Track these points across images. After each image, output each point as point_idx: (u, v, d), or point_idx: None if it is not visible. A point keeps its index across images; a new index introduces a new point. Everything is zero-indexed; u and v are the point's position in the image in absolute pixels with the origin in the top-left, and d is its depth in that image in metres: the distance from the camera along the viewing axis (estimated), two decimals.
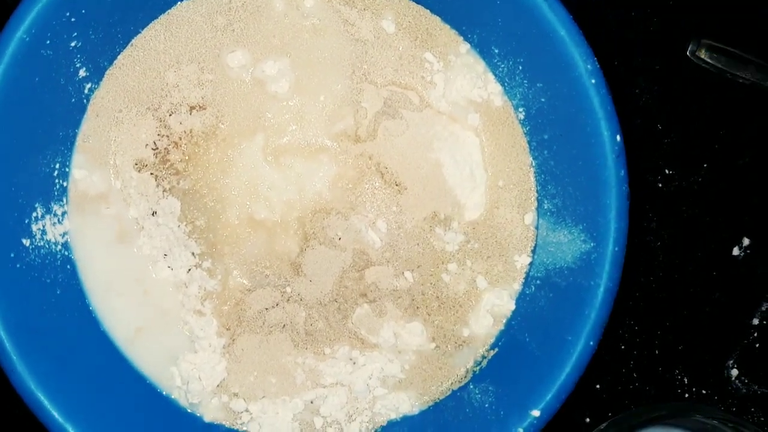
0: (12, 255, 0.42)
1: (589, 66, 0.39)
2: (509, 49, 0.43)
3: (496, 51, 0.44)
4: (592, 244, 0.41)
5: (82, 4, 0.41)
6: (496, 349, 0.45)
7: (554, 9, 0.40)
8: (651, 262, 0.49)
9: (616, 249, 0.40)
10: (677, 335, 0.49)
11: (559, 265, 0.43)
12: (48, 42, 0.41)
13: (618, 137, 0.40)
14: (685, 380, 0.49)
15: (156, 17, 0.44)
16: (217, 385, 0.45)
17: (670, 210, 0.49)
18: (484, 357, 0.45)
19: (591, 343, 0.40)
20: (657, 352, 0.49)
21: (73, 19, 0.41)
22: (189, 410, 0.45)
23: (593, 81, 0.39)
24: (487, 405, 0.43)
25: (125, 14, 0.43)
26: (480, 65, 0.45)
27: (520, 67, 0.43)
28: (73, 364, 0.42)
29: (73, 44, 0.42)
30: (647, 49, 0.49)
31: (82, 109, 0.44)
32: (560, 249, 0.43)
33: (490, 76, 0.45)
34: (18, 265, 0.42)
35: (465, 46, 0.45)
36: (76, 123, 0.44)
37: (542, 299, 0.44)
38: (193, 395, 0.45)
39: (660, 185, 0.49)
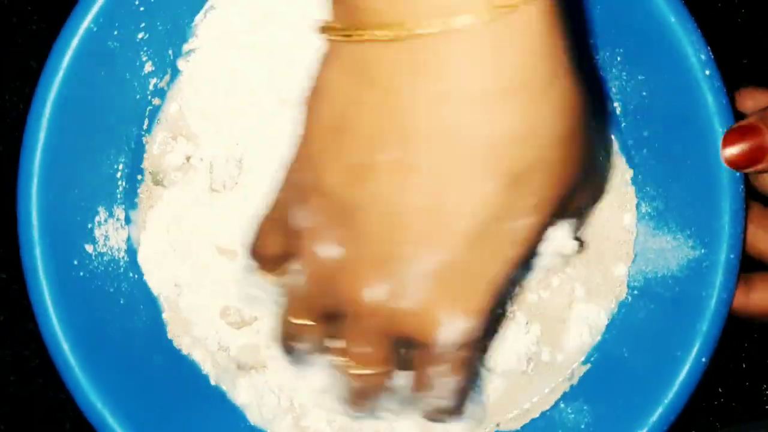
0: (75, 262, 0.39)
1: (702, 56, 0.36)
2: (607, 39, 0.40)
3: (591, 42, 0.41)
4: (702, 251, 0.38)
5: None
6: (589, 365, 0.42)
7: None
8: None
9: (732, 256, 0.37)
10: (764, 349, 0.47)
11: (661, 274, 0.40)
12: (115, 33, 0.38)
13: None
14: None
15: None
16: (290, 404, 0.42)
17: None
18: (574, 373, 0.43)
19: (703, 359, 0.37)
20: (744, 365, 0.47)
21: (141, 8, 0.39)
22: (261, 426, 0.42)
23: (707, 72, 0.36)
24: (583, 426, 0.40)
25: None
26: None
27: (619, 58, 0.40)
28: (139, 378, 0.40)
29: (140, 36, 0.39)
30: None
31: (146, 106, 0.41)
32: (662, 256, 0.40)
33: None
34: (81, 273, 0.39)
35: None
36: (140, 121, 0.41)
37: (642, 310, 0.41)
38: (267, 410, 0.42)
39: None
